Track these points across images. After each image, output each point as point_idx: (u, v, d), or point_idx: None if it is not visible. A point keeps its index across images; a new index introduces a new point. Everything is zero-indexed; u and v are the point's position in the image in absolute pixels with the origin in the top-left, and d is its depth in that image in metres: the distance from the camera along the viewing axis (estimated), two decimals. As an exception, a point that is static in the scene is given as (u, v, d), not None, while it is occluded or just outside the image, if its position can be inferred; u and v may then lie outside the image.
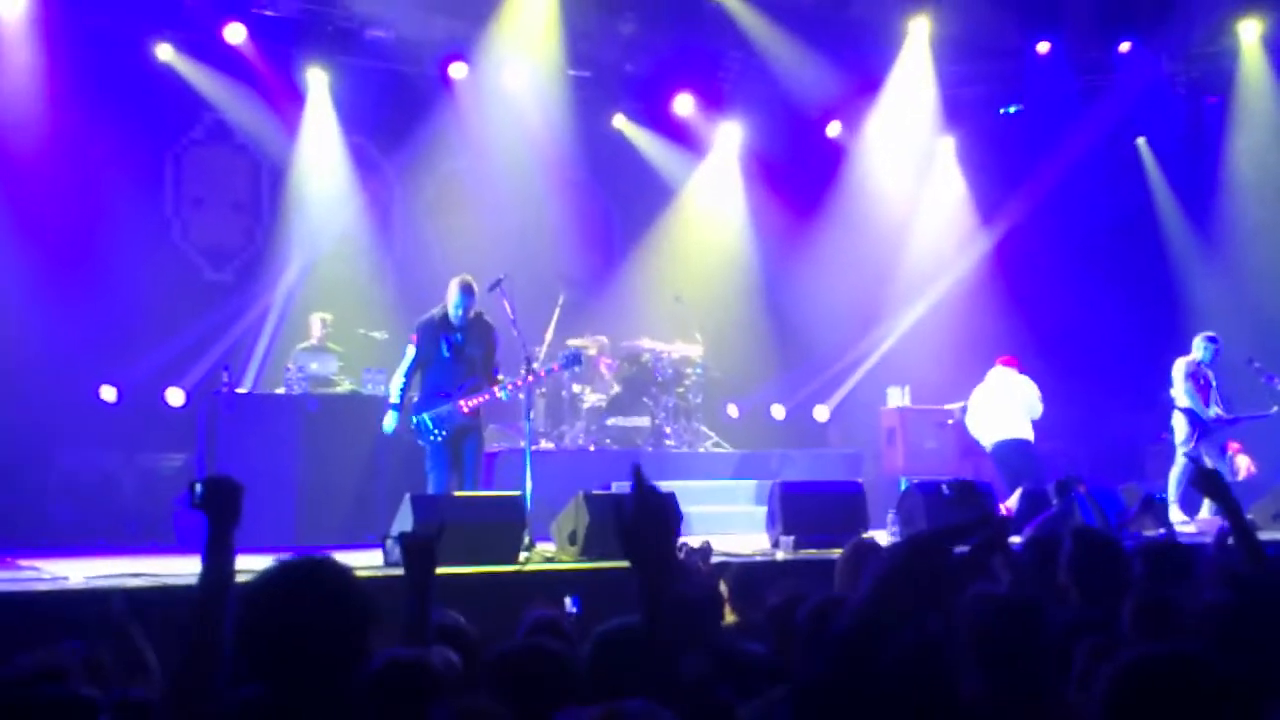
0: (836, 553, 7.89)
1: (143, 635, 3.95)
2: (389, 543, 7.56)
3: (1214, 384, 12.58)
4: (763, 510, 10.15)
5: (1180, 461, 12.38)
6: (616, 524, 2.69)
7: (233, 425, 10.79)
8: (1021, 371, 12.57)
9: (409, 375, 9.58)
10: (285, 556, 2.75)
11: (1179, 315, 16.38)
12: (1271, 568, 4.33)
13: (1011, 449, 12.26)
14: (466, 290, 9.51)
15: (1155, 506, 9.11)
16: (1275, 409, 12.78)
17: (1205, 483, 4.64)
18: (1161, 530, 9.25)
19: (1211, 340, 12.63)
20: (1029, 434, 12.31)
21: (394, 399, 9.63)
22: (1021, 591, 4.65)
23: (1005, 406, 12.40)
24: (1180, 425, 12.54)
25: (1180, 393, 12.52)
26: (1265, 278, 15.73)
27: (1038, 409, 12.42)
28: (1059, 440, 14.33)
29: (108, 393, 12.33)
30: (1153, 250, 16.71)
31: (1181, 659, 2.43)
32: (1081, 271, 16.11)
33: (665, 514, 2.68)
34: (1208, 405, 12.43)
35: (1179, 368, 12.59)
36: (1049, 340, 15.32)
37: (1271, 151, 15.92)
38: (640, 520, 2.66)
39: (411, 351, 9.57)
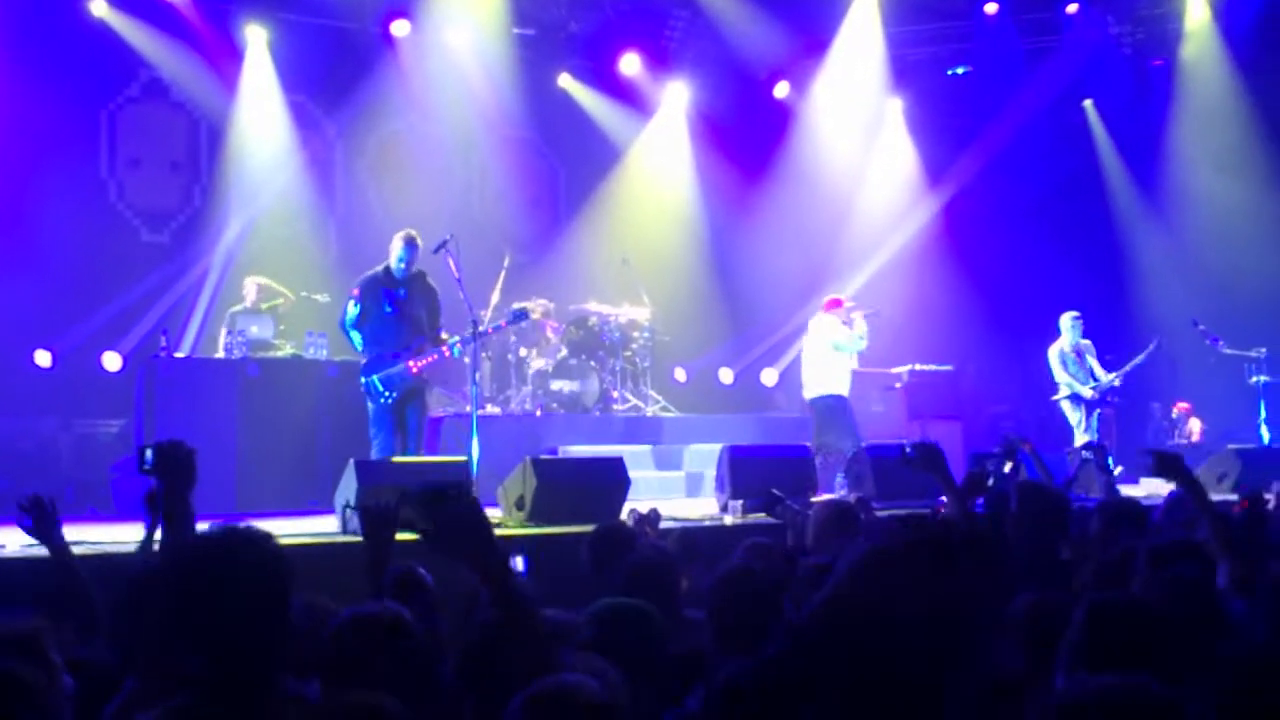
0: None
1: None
2: (347, 511, 7.41)
3: (1092, 352, 13.03)
4: (711, 474, 10.10)
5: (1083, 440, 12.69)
6: (427, 539, 2.72)
7: (171, 390, 10.56)
8: (852, 311, 12.16)
9: (359, 329, 9.40)
10: (207, 528, 2.67)
11: (1125, 277, 16.54)
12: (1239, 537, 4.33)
13: (818, 406, 11.99)
14: (410, 243, 9.36)
15: (1099, 452, 9.23)
16: (1153, 345, 13.10)
17: (1163, 467, 4.64)
18: (1104, 478, 9.37)
19: (1078, 319, 13.04)
20: (835, 386, 11.91)
21: (362, 350, 9.47)
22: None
23: (810, 358, 12.15)
24: (1069, 411, 12.95)
25: (1060, 381, 12.95)
26: (1209, 239, 15.87)
27: (848, 345, 11.97)
28: (1005, 403, 14.44)
29: (42, 358, 12.06)
30: (1099, 212, 16.82)
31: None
32: (1029, 233, 16.18)
33: (473, 519, 2.75)
34: (1091, 376, 12.88)
35: (1053, 357, 13.00)
36: (995, 302, 15.38)
37: (1216, 114, 16.02)
38: (452, 532, 2.71)
39: (354, 308, 9.38)
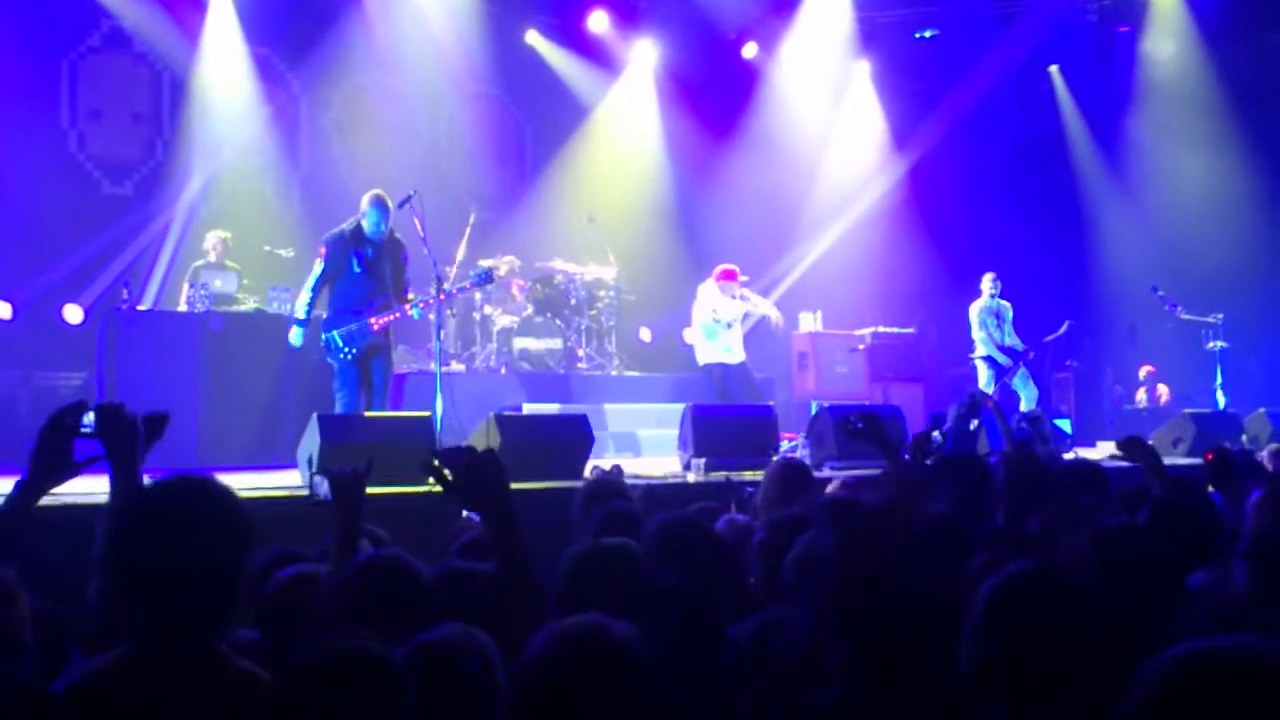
0: (749, 475, 7.96)
1: None
2: (315, 478, 7.37)
3: (1008, 318, 13.07)
4: (674, 432, 10.15)
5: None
6: (449, 489, 2.84)
7: (133, 343, 10.48)
8: (742, 289, 12.04)
9: (316, 290, 9.33)
10: (160, 479, 2.65)
11: (1086, 241, 16.67)
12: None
13: (706, 374, 12.04)
14: (383, 205, 9.29)
15: (1037, 421, 9.39)
16: (1064, 327, 13.21)
17: (1130, 450, 4.75)
18: (1043, 448, 9.50)
19: (997, 280, 13.07)
20: (719, 355, 11.84)
21: (300, 314, 9.37)
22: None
23: (692, 327, 12.17)
24: (982, 370, 13.00)
25: (978, 340, 12.98)
26: (1170, 206, 16.02)
27: (706, 324, 11.85)
28: (966, 365, 14.54)
29: (2, 309, 11.93)
30: (1062, 177, 16.94)
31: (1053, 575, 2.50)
32: (992, 197, 16.27)
33: (494, 468, 2.88)
34: (1002, 341, 12.94)
35: (974, 314, 13.00)
36: (958, 266, 15.45)
37: (1180, 81, 16.13)
38: (472, 479, 2.84)
39: (319, 266, 9.30)
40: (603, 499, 4.89)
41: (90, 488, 6.84)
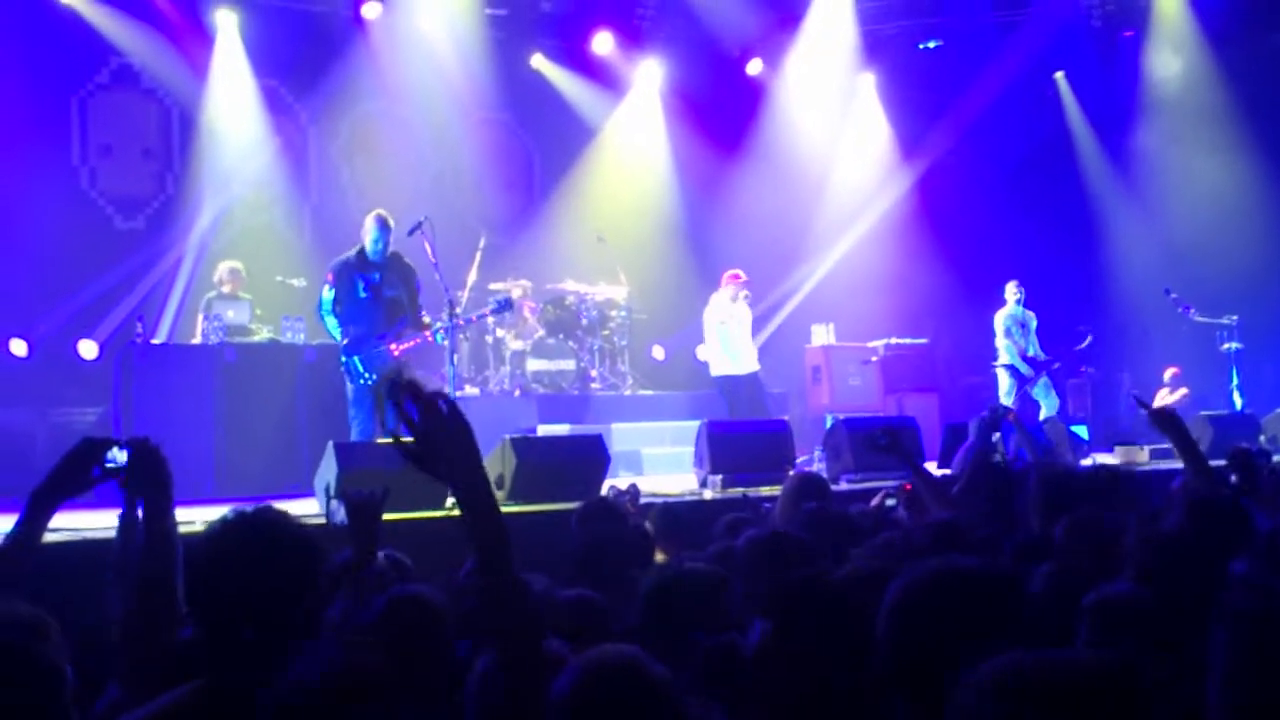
0: (765, 490, 7.97)
1: None
2: (333, 504, 7.38)
3: (1033, 326, 13.09)
4: (690, 450, 10.15)
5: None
6: (407, 451, 2.42)
7: (148, 377, 10.54)
8: (747, 291, 12.17)
9: (335, 314, 9.36)
10: (236, 509, 2.68)
11: (1097, 247, 16.64)
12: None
13: (720, 386, 12.10)
14: (383, 225, 9.32)
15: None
16: (1088, 340, 13.32)
17: (1160, 422, 4.66)
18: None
19: (1021, 288, 13.11)
20: (729, 366, 11.97)
21: (340, 338, 9.39)
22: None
23: (706, 335, 12.23)
24: (1003, 378, 13.00)
25: (1001, 348, 12.99)
26: (1180, 208, 15.98)
27: (716, 332, 11.99)
28: (980, 374, 14.53)
29: (18, 346, 11.99)
30: (1071, 183, 16.92)
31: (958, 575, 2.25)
32: (1002, 206, 16.25)
33: (457, 420, 2.40)
34: (1026, 350, 12.94)
35: (999, 322, 13.03)
36: (969, 275, 15.45)
37: (1187, 85, 16.12)
38: (436, 432, 2.39)
39: (330, 292, 9.33)
40: (598, 520, 4.89)
41: (98, 523, 6.88)
